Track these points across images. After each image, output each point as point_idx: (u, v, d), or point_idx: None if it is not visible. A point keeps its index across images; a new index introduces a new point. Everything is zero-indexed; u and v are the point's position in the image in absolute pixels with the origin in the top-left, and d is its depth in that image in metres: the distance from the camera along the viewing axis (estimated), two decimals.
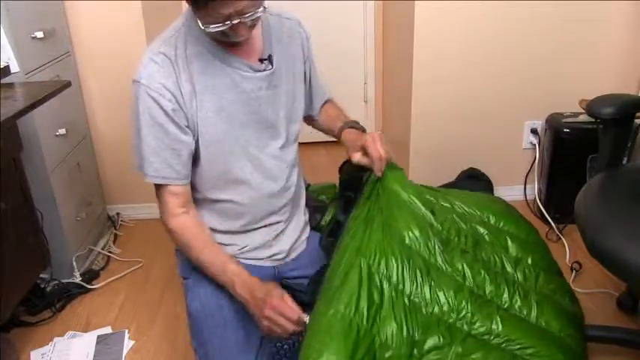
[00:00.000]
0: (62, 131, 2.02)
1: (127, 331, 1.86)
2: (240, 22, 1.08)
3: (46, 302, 1.96)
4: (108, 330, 1.87)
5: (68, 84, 1.77)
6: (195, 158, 1.24)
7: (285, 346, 1.39)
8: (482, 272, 1.28)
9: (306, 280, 1.30)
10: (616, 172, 1.55)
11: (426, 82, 2.34)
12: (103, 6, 2.18)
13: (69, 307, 1.99)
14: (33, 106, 1.54)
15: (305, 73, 1.38)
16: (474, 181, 2.41)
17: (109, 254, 2.30)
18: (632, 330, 1.72)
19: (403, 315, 1.14)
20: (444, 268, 1.25)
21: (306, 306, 1.16)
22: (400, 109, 2.61)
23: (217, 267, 1.22)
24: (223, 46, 1.19)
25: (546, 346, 1.20)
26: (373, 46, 3.15)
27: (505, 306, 1.26)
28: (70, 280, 2.06)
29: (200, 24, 1.10)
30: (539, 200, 2.38)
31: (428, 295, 1.19)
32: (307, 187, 1.57)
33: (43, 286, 2.01)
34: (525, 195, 2.49)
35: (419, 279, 1.20)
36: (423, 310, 1.18)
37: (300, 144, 1.41)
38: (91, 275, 2.13)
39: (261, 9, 1.09)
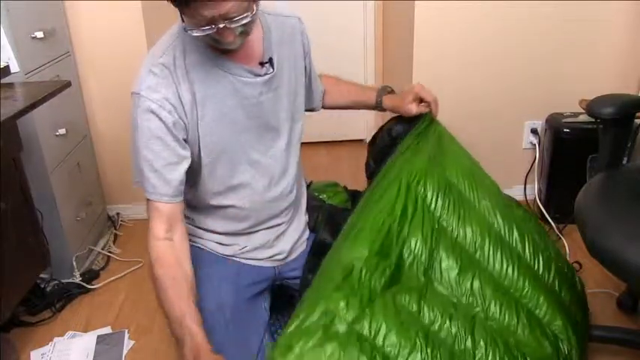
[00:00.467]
0: (62, 131, 2.02)
1: (127, 331, 1.86)
2: (225, 27, 1.03)
3: (46, 302, 1.96)
4: (108, 330, 1.87)
5: (68, 84, 1.77)
6: (197, 168, 1.23)
7: None
8: (515, 230, 1.39)
9: None
10: (616, 172, 1.55)
11: (426, 82, 2.30)
12: (103, 6, 2.18)
13: (69, 307, 1.99)
14: (33, 106, 1.54)
15: (305, 67, 1.37)
16: None
17: (109, 254, 2.29)
18: (632, 330, 1.72)
19: (430, 232, 1.24)
20: (476, 205, 1.35)
21: None
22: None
23: (176, 314, 1.10)
24: (222, 52, 1.16)
25: (552, 309, 1.31)
26: (373, 46, 3.15)
27: (526, 255, 1.37)
28: (70, 280, 2.06)
29: (183, 27, 1.07)
30: (539, 200, 2.38)
31: (455, 223, 1.30)
32: (309, 185, 1.58)
33: (43, 286, 2.01)
34: (525, 195, 2.49)
35: (450, 207, 1.30)
36: (449, 234, 1.28)
37: (301, 144, 1.41)
38: (91, 275, 2.13)
39: (248, 14, 1.04)
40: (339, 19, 3.07)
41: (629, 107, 1.54)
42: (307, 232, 1.45)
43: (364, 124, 3.39)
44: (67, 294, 2.02)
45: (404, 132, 1.47)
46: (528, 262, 1.37)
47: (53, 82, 1.90)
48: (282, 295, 1.44)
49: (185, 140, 1.17)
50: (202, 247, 1.35)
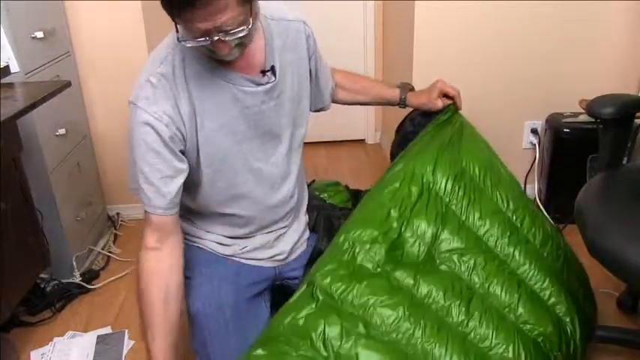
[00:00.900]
0: (62, 131, 2.02)
1: (126, 331, 1.86)
2: (220, 39, 1.00)
3: (46, 302, 1.96)
4: (108, 330, 1.87)
5: (68, 84, 1.77)
6: (197, 179, 1.22)
7: None
8: (527, 218, 1.42)
9: None
10: (616, 172, 1.55)
11: (426, 81, 2.31)
12: (103, 6, 2.18)
13: (69, 307, 1.99)
14: (33, 106, 1.54)
15: (310, 70, 1.34)
16: None
17: (109, 254, 2.29)
18: (632, 330, 1.72)
19: (434, 214, 1.28)
20: (489, 193, 1.39)
21: None
22: (400, 109, 2.61)
23: (152, 331, 1.20)
24: (221, 62, 1.13)
25: (558, 292, 1.34)
26: (373, 46, 3.15)
27: (535, 242, 1.40)
28: (70, 280, 2.06)
29: (177, 38, 1.04)
30: (540, 200, 2.38)
31: (464, 208, 1.34)
32: (310, 184, 1.58)
33: (43, 286, 2.01)
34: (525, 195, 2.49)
35: (460, 192, 1.34)
36: (457, 216, 1.32)
37: (304, 146, 1.40)
38: (91, 275, 2.13)
39: (244, 28, 1.01)
40: (339, 19, 3.07)
41: (629, 107, 1.54)
42: (307, 232, 1.45)
43: (364, 124, 3.40)
44: (67, 294, 2.02)
45: (426, 121, 1.52)
46: (537, 249, 1.40)
47: (53, 82, 1.90)
48: (283, 295, 1.43)
49: (183, 152, 1.16)
50: (202, 246, 1.34)
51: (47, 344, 1.81)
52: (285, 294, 1.41)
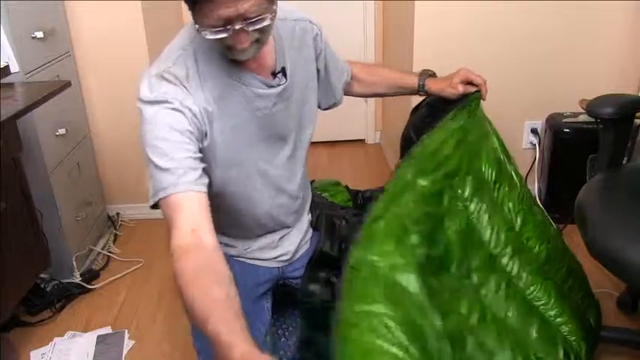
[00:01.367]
0: (62, 131, 2.02)
1: (126, 331, 1.86)
2: (242, 29, 0.97)
3: (46, 302, 1.96)
4: (108, 330, 1.87)
5: (68, 84, 1.77)
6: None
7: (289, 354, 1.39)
8: (533, 230, 1.40)
9: None
10: (616, 172, 1.55)
11: None
12: (103, 6, 2.18)
13: (69, 307, 1.99)
14: (33, 106, 1.54)
15: (319, 70, 1.33)
16: None
17: (109, 254, 2.30)
18: (632, 330, 1.72)
19: (461, 227, 1.25)
20: (499, 205, 1.37)
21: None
22: (400, 109, 2.61)
23: (226, 324, 0.91)
24: (235, 63, 1.11)
25: (562, 310, 1.33)
26: (373, 46, 3.15)
27: (536, 257, 1.38)
28: (70, 280, 2.06)
29: (197, 28, 1.00)
30: (540, 200, 2.38)
31: (485, 222, 1.32)
32: (310, 183, 1.57)
33: (43, 286, 2.01)
34: None
35: (482, 206, 1.32)
36: (477, 234, 1.30)
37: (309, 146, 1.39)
38: (91, 275, 2.13)
39: (267, 16, 0.98)
40: (339, 19, 3.07)
41: (629, 107, 1.54)
42: (310, 232, 1.45)
43: (364, 124, 3.40)
44: (67, 294, 2.02)
45: (445, 107, 1.44)
46: (542, 266, 1.39)
47: (53, 82, 1.90)
48: (283, 294, 1.43)
49: (200, 150, 1.10)
50: None
51: (47, 344, 1.81)
52: (286, 294, 1.41)
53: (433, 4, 2.20)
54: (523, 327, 1.25)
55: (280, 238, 1.35)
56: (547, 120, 2.34)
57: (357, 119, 3.35)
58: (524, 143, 2.46)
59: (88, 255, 2.23)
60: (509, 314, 1.25)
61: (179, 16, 2.62)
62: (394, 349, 0.94)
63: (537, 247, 1.39)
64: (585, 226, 1.35)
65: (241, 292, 1.27)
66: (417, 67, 2.29)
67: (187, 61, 1.09)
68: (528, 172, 2.47)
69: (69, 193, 2.08)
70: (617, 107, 1.52)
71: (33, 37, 1.87)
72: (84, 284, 2.07)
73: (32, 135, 1.85)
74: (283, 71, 1.19)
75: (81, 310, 1.98)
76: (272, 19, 1.00)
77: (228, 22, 0.96)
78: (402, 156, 1.62)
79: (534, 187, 2.42)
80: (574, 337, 1.32)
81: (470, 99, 1.43)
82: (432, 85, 1.46)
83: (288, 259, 1.37)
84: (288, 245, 1.37)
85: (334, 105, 1.46)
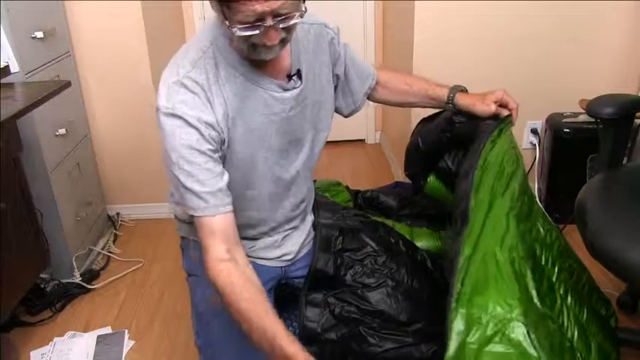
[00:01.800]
0: (62, 131, 2.02)
1: (126, 331, 1.86)
2: (273, 26, 0.97)
3: (46, 302, 1.96)
4: (108, 330, 1.87)
5: (68, 84, 1.77)
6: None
7: None
8: (557, 264, 1.31)
9: None
10: (616, 172, 1.55)
11: None
12: (103, 6, 2.18)
13: (69, 307, 1.99)
14: (33, 106, 1.54)
15: (338, 75, 1.32)
16: None
17: (109, 254, 2.30)
18: (632, 330, 1.72)
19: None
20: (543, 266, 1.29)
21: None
22: (400, 109, 2.61)
23: (267, 337, 1.04)
24: (253, 66, 1.11)
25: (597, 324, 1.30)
26: (373, 46, 3.15)
27: (564, 290, 1.29)
28: (70, 280, 2.06)
29: (227, 25, 0.99)
30: (540, 200, 2.38)
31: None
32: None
33: (43, 286, 2.01)
34: None
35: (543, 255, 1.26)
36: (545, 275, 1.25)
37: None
38: (91, 275, 2.13)
39: (297, 14, 0.99)
40: (339, 19, 3.05)
41: (629, 107, 1.54)
42: (313, 232, 1.45)
43: (364, 124, 3.40)
44: (67, 294, 2.02)
45: (469, 124, 1.40)
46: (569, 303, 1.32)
47: (53, 82, 1.90)
48: (283, 295, 1.43)
49: (220, 157, 1.13)
50: None
51: (47, 344, 1.81)
52: (287, 294, 1.41)
53: (433, 4, 2.20)
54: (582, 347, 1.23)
55: (284, 237, 1.35)
56: (547, 120, 2.34)
57: (357, 119, 3.32)
58: (524, 143, 2.46)
59: (88, 255, 2.23)
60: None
61: (179, 16, 2.62)
62: None
63: (561, 277, 1.32)
64: (585, 226, 1.35)
65: None
66: (417, 68, 2.31)
67: (207, 64, 1.09)
68: (528, 172, 2.47)
69: (69, 193, 2.08)
70: (617, 107, 1.51)
71: (33, 37, 1.87)
72: (84, 284, 2.07)
73: (32, 135, 1.85)
74: (298, 74, 1.19)
75: (81, 310, 1.98)
76: (300, 17, 1.00)
77: (260, 18, 0.96)
78: (406, 167, 1.59)
79: (534, 187, 2.42)
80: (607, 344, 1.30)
81: (504, 122, 1.38)
82: (461, 100, 1.41)
83: (290, 259, 1.37)
84: (292, 245, 1.37)
85: (354, 111, 1.45)
